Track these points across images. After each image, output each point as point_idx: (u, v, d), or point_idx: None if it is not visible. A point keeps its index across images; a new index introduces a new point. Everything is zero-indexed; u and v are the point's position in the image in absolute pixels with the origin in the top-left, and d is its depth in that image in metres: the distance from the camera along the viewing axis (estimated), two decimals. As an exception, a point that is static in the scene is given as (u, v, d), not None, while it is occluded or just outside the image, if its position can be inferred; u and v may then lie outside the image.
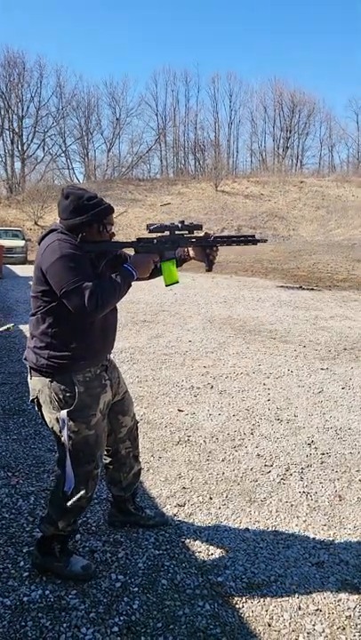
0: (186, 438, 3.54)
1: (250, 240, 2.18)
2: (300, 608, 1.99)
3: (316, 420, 3.92)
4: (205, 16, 72.21)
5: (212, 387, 4.70)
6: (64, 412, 1.95)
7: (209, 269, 2.16)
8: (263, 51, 74.89)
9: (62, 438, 1.98)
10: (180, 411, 4.07)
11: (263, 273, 16.29)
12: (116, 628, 1.84)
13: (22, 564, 2.18)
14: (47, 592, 2.01)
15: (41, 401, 2.02)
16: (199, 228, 2.09)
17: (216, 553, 2.30)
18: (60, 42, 73.00)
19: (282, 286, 12.90)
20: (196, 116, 48.45)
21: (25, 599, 1.97)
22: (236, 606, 1.99)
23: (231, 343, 6.48)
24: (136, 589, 2.04)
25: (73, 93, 44.94)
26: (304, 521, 2.58)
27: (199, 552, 2.30)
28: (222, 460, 3.22)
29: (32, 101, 43.39)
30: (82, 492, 2.01)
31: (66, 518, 2.05)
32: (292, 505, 2.73)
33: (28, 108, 43.32)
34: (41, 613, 1.90)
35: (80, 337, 1.96)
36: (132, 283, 1.99)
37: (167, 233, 2.05)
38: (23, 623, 1.86)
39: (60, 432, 1.98)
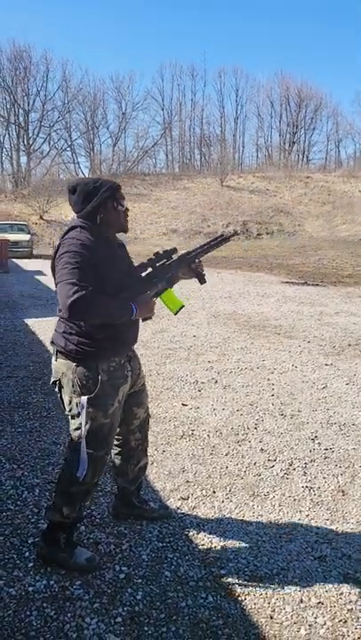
0: (190, 432, 3.56)
1: (222, 239, 2.27)
2: (302, 601, 2.00)
3: (319, 416, 3.92)
4: (212, 9, 71.78)
5: (216, 381, 4.72)
6: (84, 398, 2.00)
7: (203, 282, 2.30)
8: (270, 45, 74.41)
9: (79, 423, 2.03)
10: (184, 405, 4.09)
11: (268, 268, 16.26)
12: (119, 619, 1.87)
13: (27, 554, 2.20)
14: (52, 582, 2.03)
15: (63, 383, 2.06)
16: (174, 251, 2.18)
17: (219, 546, 2.32)
18: (65, 36, 72.82)
19: (287, 282, 12.88)
20: (202, 111, 48.34)
21: (30, 589, 2.00)
22: (239, 598, 2.00)
23: (236, 338, 6.49)
24: (140, 581, 2.06)
25: (79, 87, 44.89)
26: (307, 515, 2.59)
27: (202, 545, 2.32)
28: (226, 455, 3.23)
29: (38, 95, 43.40)
30: (88, 477, 2.05)
31: (71, 504, 2.09)
32: (295, 499, 2.74)
33: (34, 102, 43.33)
34: (45, 603, 1.93)
35: (108, 327, 1.99)
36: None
37: (150, 269, 2.12)
38: (28, 613, 1.88)
39: (78, 416, 2.03)
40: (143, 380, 2.35)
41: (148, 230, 29.84)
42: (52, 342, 2.12)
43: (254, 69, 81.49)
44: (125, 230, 2.14)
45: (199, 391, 4.45)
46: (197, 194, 35.15)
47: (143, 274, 2.14)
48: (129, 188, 34.86)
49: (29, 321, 7.37)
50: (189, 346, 6.01)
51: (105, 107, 52.16)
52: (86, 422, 2.01)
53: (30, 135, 43.19)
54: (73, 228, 2.04)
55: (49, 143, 44.10)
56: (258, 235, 29.73)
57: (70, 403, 2.06)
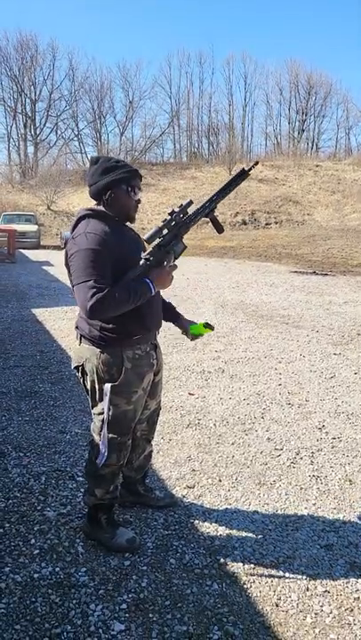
0: (196, 422, 3.55)
1: (239, 177, 2.08)
2: (308, 589, 1.99)
3: (327, 405, 3.90)
4: (220, -5, 70.71)
5: (223, 371, 4.70)
6: (108, 386, 2.00)
7: (220, 230, 2.19)
8: (279, 31, 73.33)
9: (102, 408, 2.03)
10: (190, 394, 4.08)
11: (277, 258, 16.17)
12: (124, 605, 1.87)
13: (33, 541, 2.21)
14: (57, 569, 2.04)
15: (86, 369, 2.05)
16: (190, 204, 2.04)
17: (225, 534, 2.31)
18: (71, 23, 72.22)
19: (295, 271, 12.80)
20: (210, 99, 47.94)
21: (35, 576, 2.00)
22: (244, 586, 1.99)
23: (243, 328, 6.46)
24: (145, 568, 2.06)
25: (85, 76, 44.85)
26: (314, 504, 2.58)
27: (208, 533, 2.31)
28: (232, 444, 3.22)
29: (45, 85, 43.18)
30: (113, 460, 2.08)
31: (102, 486, 2.12)
32: (301, 488, 2.72)
33: (40, 91, 43.13)
34: (51, 590, 1.93)
35: (131, 313, 1.94)
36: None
37: (166, 231, 2.01)
38: (33, 599, 1.89)
39: (100, 402, 2.04)
40: (162, 373, 2.33)
41: (156, 220, 29.68)
42: (77, 327, 2.11)
43: (263, 56, 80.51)
44: (132, 220, 2.09)
45: (206, 380, 4.43)
46: (205, 183, 34.92)
47: (154, 244, 2.01)
48: (136, 178, 34.72)
49: (37, 311, 7.38)
50: (196, 335, 5.98)
51: (112, 95, 52.03)
52: (109, 409, 2.01)
53: (37, 125, 43.10)
54: (81, 219, 2.00)
55: (56, 133, 43.99)
56: (266, 224, 29.52)
57: (93, 388, 2.06)
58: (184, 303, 8.02)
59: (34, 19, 70.09)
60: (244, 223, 29.44)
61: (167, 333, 6.04)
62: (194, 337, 2.34)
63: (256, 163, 2.20)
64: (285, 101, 47.95)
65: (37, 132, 42.96)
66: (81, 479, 2.70)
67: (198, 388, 4.23)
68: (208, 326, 2.28)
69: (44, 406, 3.74)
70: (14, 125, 43.39)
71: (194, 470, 2.88)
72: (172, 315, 2.33)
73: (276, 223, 29.73)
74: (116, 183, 1.98)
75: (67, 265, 1.97)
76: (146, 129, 44.04)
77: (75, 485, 2.66)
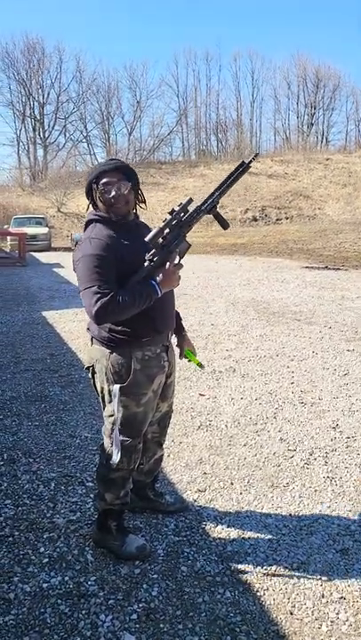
0: (207, 423, 3.50)
1: (241, 169, 1.99)
2: (323, 596, 1.94)
3: (341, 403, 3.82)
4: (225, -9, 70.33)
5: (234, 370, 4.64)
6: (117, 387, 1.98)
7: (226, 226, 2.13)
8: (285, 24, 72.75)
9: (112, 409, 2.01)
10: (201, 395, 4.03)
11: (288, 254, 16.03)
12: (134, 616, 1.83)
13: (42, 549, 2.18)
14: (66, 578, 2.01)
15: (97, 369, 2.04)
16: (190, 202, 1.98)
17: (237, 539, 2.26)
18: (78, 25, 72.38)
19: (307, 267, 12.67)
20: (217, 96, 47.69)
21: (44, 585, 1.97)
22: (258, 594, 1.94)
23: (254, 326, 6.39)
24: (155, 576, 2.02)
25: (93, 78, 44.75)
26: (328, 506, 2.51)
27: (220, 538, 2.26)
28: (244, 445, 3.16)
29: (52, 87, 43.39)
30: (124, 463, 2.05)
31: (112, 491, 2.09)
32: (315, 490, 2.66)
33: (48, 94, 43.36)
34: (60, 600, 1.90)
35: (140, 315, 1.91)
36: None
37: (167, 230, 1.94)
38: (42, 610, 1.86)
39: (110, 403, 2.02)
40: (175, 375, 2.29)
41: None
42: (88, 329, 2.10)
43: (270, 51, 79.96)
44: (124, 215, 2.00)
45: (217, 380, 4.38)
46: (214, 181, 34.72)
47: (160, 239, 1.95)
48: (145, 177, 34.71)
49: (47, 314, 7.39)
50: (207, 334, 5.94)
51: (119, 96, 52.00)
52: (118, 410, 1.99)
53: (46, 128, 43.32)
54: (88, 223, 2.02)
55: (64, 135, 44.19)
56: (277, 220, 29.32)
57: (103, 389, 2.05)
58: (195, 302, 7.97)
59: (40, 22, 70.50)
60: (255, 219, 29.26)
61: (178, 333, 6.00)
62: (184, 357, 2.32)
63: (256, 154, 2.13)
64: (294, 95, 47.58)
65: (46, 135, 43.22)
66: (91, 484, 2.66)
67: (209, 389, 4.18)
68: (200, 365, 2.35)
69: (54, 410, 3.72)
70: (23, 129, 43.71)
71: (205, 473, 2.83)
72: (177, 327, 2.27)
73: (287, 218, 29.51)
74: (88, 192, 2.01)
75: (75, 270, 1.97)
76: (154, 128, 44.10)
77: (84, 491, 2.63)
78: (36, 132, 43.33)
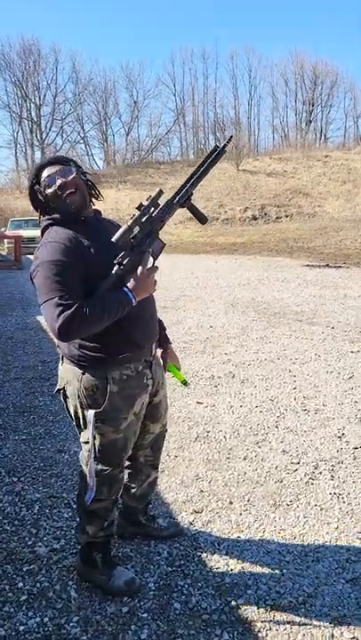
0: (205, 434, 3.29)
1: (215, 154, 1.80)
2: (333, 636, 1.73)
3: (346, 410, 3.61)
4: (221, -10, 70.07)
5: (233, 375, 4.43)
6: (91, 413, 1.73)
7: (204, 221, 1.90)
8: (281, 20, 72.42)
9: (87, 437, 1.78)
10: (198, 403, 3.82)
11: (288, 252, 15.81)
12: (121, 664, 1.62)
13: (21, 585, 1.97)
14: (46, 619, 1.80)
15: (68, 393, 1.79)
16: (160, 195, 1.76)
17: (236, 569, 2.05)
18: (73, 26, 72.19)
19: (308, 265, 12.46)
20: (215, 95, 47.36)
21: (21, 628, 1.77)
22: (259, 635, 1.74)
23: (254, 327, 6.17)
24: (145, 615, 1.81)
25: (89, 78, 44.45)
26: (336, 528, 2.30)
27: (217, 568, 2.05)
28: (244, 459, 2.95)
29: (49, 89, 43.12)
30: (104, 494, 1.82)
31: (94, 523, 1.88)
32: (321, 509, 2.45)
33: (44, 95, 43.08)
34: (37, 646, 1.69)
35: (114, 327, 1.66)
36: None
37: (137, 229, 1.68)
38: (17, 658, 1.65)
39: (85, 429, 1.78)
40: (165, 391, 2.05)
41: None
42: (57, 346, 1.86)
43: (267, 48, 79.68)
44: (77, 209, 1.75)
45: (215, 387, 4.17)
46: (213, 179, 34.52)
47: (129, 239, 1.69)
48: (144, 178, 34.53)
49: (42, 318, 7.16)
50: (205, 337, 5.73)
51: (116, 96, 51.77)
52: (94, 438, 1.75)
53: (43, 129, 43.09)
54: (43, 230, 1.77)
55: (62, 136, 43.95)
56: (277, 218, 29.07)
57: (76, 415, 1.81)
58: (193, 303, 7.76)
59: (35, 23, 70.29)
60: (254, 218, 29.02)
61: (175, 337, 5.78)
62: (167, 372, 2.10)
63: (231, 137, 1.92)
64: (291, 93, 47.28)
65: (43, 137, 42.97)
66: (78, 506, 2.45)
67: (207, 396, 3.97)
68: (184, 383, 2.12)
69: (43, 422, 3.51)
70: (20, 131, 43.48)
71: (202, 491, 2.62)
72: (160, 338, 2.03)
73: (287, 217, 29.27)
74: (32, 193, 1.80)
75: (32, 282, 1.71)
76: (152, 128, 43.86)
77: (70, 514, 2.42)
78: (33, 134, 43.12)
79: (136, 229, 1.68)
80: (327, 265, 12.32)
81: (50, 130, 43.42)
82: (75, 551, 2.14)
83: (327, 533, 2.26)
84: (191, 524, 2.35)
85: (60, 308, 1.55)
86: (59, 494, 2.60)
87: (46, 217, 1.79)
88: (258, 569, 2.05)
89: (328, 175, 34.21)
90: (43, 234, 1.76)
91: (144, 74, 64.32)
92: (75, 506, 2.46)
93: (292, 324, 6.33)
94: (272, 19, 71.35)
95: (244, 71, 61.80)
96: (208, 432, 3.32)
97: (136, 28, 72.59)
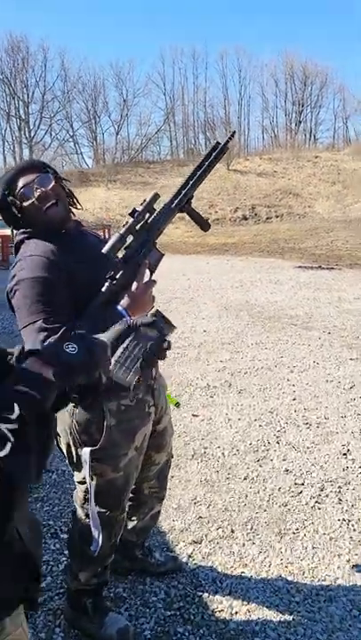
0: (202, 451, 3.09)
1: (216, 152, 1.63)
2: None
3: (350, 424, 3.43)
4: (211, -11, 69.97)
5: (230, 385, 4.24)
6: (87, 451, 1.49)
7: (206, 228, 1.69)
8: (271, 20, 72.51)
9: (83, 476, 1.55)
10: (194, 416, 3.62)
11: (280, 253, 15.67)
12: None
13: None
14: None
15: (58, 429, 1.55)
16: (155, 199, 1.54)
17: (242, 611, 1.86)
18: (62, 23, 71.60)
19: (300, 266, 12.31)
20: (205, 94, 47.16)
21: None
22: None
23: (249, 332, 5.99)
24: (141, 671, 1.61)
25: (78, 76, 44.03)
26: (348, 561, 2.12)
27: (220, 611, 1.86)
28: (245, 479, 2.76)
29: (37, 86, 42.61)
30: (104, 539, 1.57)
31: (89, 569, 1.68)
32: (331, 538, 2.27)
33: (33, 93, 42.54)
34: None
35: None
36: None
37: (131, 238, 1.47)
38: None
39: (81, 468, 1.55)
40: (169, 417, 1.83)
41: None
42: None
43: (257, 48, 79.75)
44: (66, 222, 1.55)
45: (211, 397, 3.97)
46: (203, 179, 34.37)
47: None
48: (133, 177, 34.27)
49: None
50: (200, 343, 5.53)
51: (105, 94, 51.28)
52: (92, 478, 1.52)
53: (31, 127, 42.59)
54: (19, 244, 1.54)
55: (50, 135, 43.45)
56: (267, 218, 28.99)
57: (70, 453, 1.58)
58: (185, 306, 7.56)
59: (23, 20, 69.63)
60: (245, 218, 28.92)
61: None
62: None
63: (233, 133, 1.73)
64: (281, 93, 47.24)
65: (32, 135, 42.47)
66: (65, 536, 2.24)
67: (203, 407, 3.78)
68: (177, 405, 1.93)
69: (29, 438, 3.28)
70: (8, 129, 42.96)
71: (200, 517, 2.42)
72: None
73: (278, 217, 29.19)
74: (5, 205, 1.51)
75: (10, 306, 1.48)
76: (141, 127, 43.60)
77: (58, 546, 2.21)
78: (22, 132, 42.61)
79: (130, 239, 1.47)
80: (320, 266, 12.19)
81: (38, 128, 42.93)
82: (62, 590, 1.93)
83: (338, 568, 2.08)
84: (190, 556, 2.15)
85: (45, 334, 1.33)
86: (45, 521, 2.38)
87: (21, 230, 1.55)
88: (265, 612, 1.85)
89: (318, 176, 34.23)
90: (17, 249, 1.53)
91: (134, 72, 64.29)
92: (62, 536, 2.26)
93: (287, 328, 6.15)
94: (261, 18, 71.46)
95: (234, 71, 61.60)
96: (205, 448, 3.12)
97: (125, 27, 72.24)
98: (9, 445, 0.66)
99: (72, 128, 44.27)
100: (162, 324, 1.21)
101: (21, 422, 0.69)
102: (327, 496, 2.58)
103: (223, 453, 3.05)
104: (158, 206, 1.56)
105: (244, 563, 2.11)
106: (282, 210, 30.05)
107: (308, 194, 32.13)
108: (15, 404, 0.69)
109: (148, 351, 1.18)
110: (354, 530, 2.32)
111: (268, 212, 29.67)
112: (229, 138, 1.66)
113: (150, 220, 1.52)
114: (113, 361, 1.12)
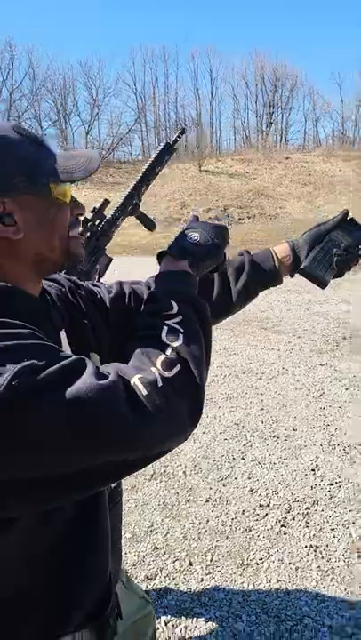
0: (162, 470, 2.87)
1: (165, 150, 1.57)
2: None
3: (319, 435, 3.27)
4: (182, -10, 69.93)
5: (195, 394, 4.03)
6: None
7: (152, 227, 1.70)
8: (243, 24, 72.91)
9: None
10: (156, 430, 3.40)
11: (251, 254, 15.60)
12: None
13: None
14: None
15: None
16: (105, 205, 1.47)
17: (197, 663, 1.65)
18: (29, 21, 70.46)
19: (271, 268, 12.24)
20: (176, 94, 47.06)
21: None
22: None
23: (218, 337, 5.80)
24: None
25: (47, 74, 43.34)
26: (316, 596, 1.93)
27: (173, 664, 1.65)
28: (206, 501, 2.56)
29: (4, 85, 41.80)
30: None
31: None
32: (297, 568, 2.08)
33: (0, 91, 41.76)
34: None
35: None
36: None
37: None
38: None
39: None
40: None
41: (127, 220, 28.88)
42: None
43: (228, 49, 80.00)
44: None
45: (175, 409, 3.76)
46: (175, 179, 34.21)
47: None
48: (105, 177, 33.86)
49: None
50: (166, 349, 5.31)
51: (75, 93, 50.61)
52: None
53: (-1, 126, 41.69)
54: None
55: (19, 134, 42.67)
56: (239, 219, 28.98)
57: None
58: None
59: (-8, 17, 68.20)
60: (217, 219, 28.86)
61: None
62: None
63: (183, 130, 1.62)
64: (252, 94, 47.55)
65: None
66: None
67: (166, 420, 3.56)
68: None
69: None
70: (-25, 127, 41.96)
71: (157, 548, 2.21)
72: None
73: (249, 218, 29.23)
74: None
75: None
76: (112, 127, 43.16)
77: None
78: (-11, 131, 41.70)
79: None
80: (291, 268, 12.15)
81: (6, 127, 42.08)
82: None
83: (306, 604, 1.89)
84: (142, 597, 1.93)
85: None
86: None
87: None
88: (223, 662, 1.65)
89: (289, 177, 34.47)
90: None
91: (104, 71, 63.64)
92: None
93: (257, 332, 6.00)
94: (232, 18, 71.78)
95: (205, 71, 61.69)
96: (166, 467, 2.90)
97: (94, 25, 71.57)
98: (181, 336, 0.71)
99: (41, 127, 43.55)
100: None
101: (183, 315, 0.74)
102: (293, 519, 2.40)
103: (185, 472, 2.85)
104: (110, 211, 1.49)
105: (202, 601, 1.91)
106: (254, 210, 30.09)
107: (279, 195, 32.28)
108: (172, 301, 0.75)
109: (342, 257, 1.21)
110: (322, 557, 2.14)
111: (240, 213, 29.66)
112: (178, 135, 1.54)
113: (100, 226, 1.46)
114: (311, 257, 1.22)
